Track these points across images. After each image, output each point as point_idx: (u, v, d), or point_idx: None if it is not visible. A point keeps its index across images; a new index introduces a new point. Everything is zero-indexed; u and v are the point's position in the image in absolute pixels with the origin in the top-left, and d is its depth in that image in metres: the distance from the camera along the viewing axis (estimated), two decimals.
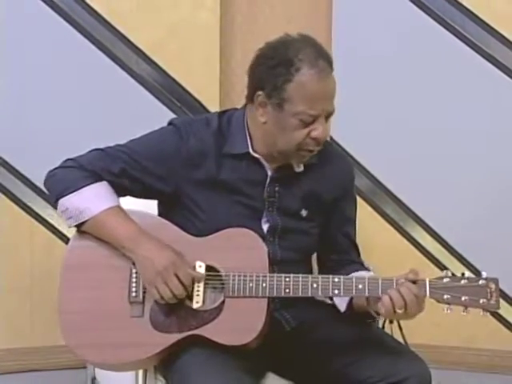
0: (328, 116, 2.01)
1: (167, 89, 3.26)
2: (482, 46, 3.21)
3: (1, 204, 3.21)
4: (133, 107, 3.22)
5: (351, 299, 2.06)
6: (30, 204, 3.21)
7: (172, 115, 3.22)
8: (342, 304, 2.09)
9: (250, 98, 2.05)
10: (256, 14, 3.31)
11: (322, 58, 1.98)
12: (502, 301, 2.99)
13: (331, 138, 3.27)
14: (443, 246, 3.34)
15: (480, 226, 3.27)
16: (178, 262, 1.95)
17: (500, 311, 3.21)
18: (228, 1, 3.29)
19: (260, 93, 2.00)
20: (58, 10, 3.16)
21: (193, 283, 1.96)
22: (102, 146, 2.11)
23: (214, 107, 3.11)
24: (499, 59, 3.21)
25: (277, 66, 1.97)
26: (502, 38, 3.20)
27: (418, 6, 3.23)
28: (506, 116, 3.25)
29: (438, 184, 3.30)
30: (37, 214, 3.21)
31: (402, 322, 2.03)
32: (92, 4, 3.18)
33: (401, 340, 2.07)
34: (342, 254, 2.19)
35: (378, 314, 1.98)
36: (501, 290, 1.93)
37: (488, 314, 1.91)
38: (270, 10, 3.31)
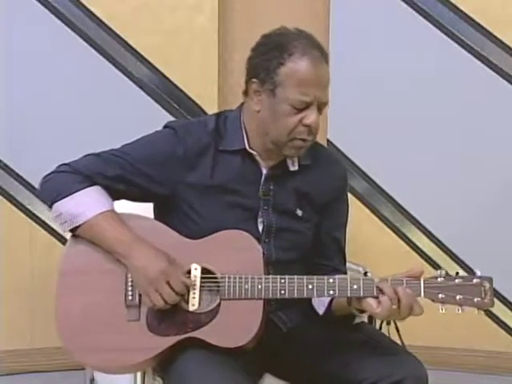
0: (321, 106, 2.00)
1: (166, 92, 3.28)
2: (477, 49, 3.23)
3: (1, 206, 3.22)
4: (132, 110, 3.24)
5: (331, 301, 2.05)
6: (29, 207, 3.23)
7: (171, 118, 3.24)
8: (320, 306, 2.08)
9: (246, 89, 2.05)
10: (254, 19, 3.32)
11: (316, 48, 1.99)
12: (498, 302, 3.05)
13: (328, 141, 3.29)
14: (440, 247, 3.35)
15: (477, 228, 3.29)
16: (170, 270, 1.93)
17: (496, 313, 3.22)
18: (226, 5, 3.31)
19: (254, 80, 2.00)
20: (59, 15, 3.18)
21: (187, 288, 1.96)
22: (97, 151, 2.09)
23: (212, 110, 3.11)
24: (495, 62, 3.23)
25: (270, 51, 1.97)
26: (498, 42, 3.22)
27: (415, 10, 3.25)
28: (505, 120, 3.26)
29: (435, 186, 3.31)
30: (36, 216, 3.23)
31: (398, 323, 2.02)
32: (92, 9, 3.20)
33: (398, 341, 2.05)
34: (327, 260, 2.17)
35: (362, 312, 1.96)
36: (497, 291, 1.93)
37: (483, 312, 1.90)
38: (267, 14, 3.31)
